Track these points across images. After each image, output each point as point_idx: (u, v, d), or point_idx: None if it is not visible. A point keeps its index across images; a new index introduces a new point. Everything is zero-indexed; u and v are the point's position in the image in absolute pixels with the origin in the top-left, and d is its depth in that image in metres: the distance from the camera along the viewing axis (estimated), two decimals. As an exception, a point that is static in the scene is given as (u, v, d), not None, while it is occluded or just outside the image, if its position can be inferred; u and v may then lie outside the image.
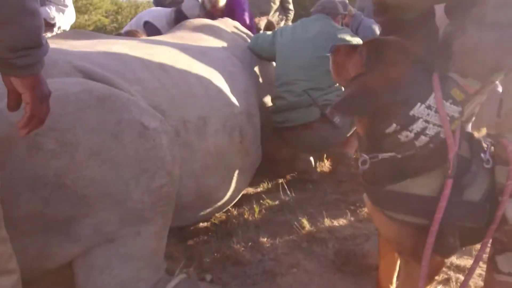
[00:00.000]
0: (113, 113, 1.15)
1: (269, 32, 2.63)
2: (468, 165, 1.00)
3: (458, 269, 1.61)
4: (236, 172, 1.89)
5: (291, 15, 4.72)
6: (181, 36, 2.33)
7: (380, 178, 1.03)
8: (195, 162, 1.61)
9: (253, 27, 3.53)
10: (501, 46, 0.93)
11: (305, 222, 1.94)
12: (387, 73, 0.97)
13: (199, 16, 3.49)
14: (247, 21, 3.62)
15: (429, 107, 0.97)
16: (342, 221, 1.99)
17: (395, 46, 1.03)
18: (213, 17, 3.70)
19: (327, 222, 1.97)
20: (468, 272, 1.09)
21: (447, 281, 1.55)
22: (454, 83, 0.99)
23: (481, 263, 1.67)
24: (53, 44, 1.58)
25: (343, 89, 2.33)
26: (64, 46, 1.53)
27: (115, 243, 1.15)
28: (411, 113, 0.97)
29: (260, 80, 2.48)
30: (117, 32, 3.43)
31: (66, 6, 2.64)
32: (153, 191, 1.17)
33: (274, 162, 2.55)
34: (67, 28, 2.75)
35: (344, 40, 2.29)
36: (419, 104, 0.96)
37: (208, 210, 1.83)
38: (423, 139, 0.98)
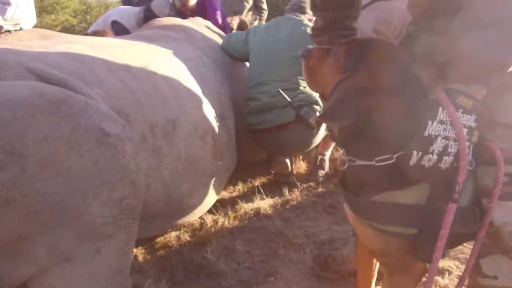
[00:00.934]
0: (68, 119, 1.04)
1: (241, 32, 2.56)
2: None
3: (438, 271, 1.58)
4: (210, 177, 1.80)
5: (265, 14, 4.67)
6: (149, 35, 2.22)
7: (364, 189, 0.96)
8: (164, 168, 1.52)
9: (226, 27, 3.45)
10: (500, 45, 0.88)
11: (281, 227, 1.88)
12: (377, 73, 0.88)
13: (169, 15, 3.38)
14: (219, 21, 3.53)
15: (442, 122, 0.89)
16: (319, 225, 1.94)
17: (379, 47, 0.97)
18: (184, 16, 3.59)
19: (304, 226, 1.91)
20: (459, 282, 1.05)
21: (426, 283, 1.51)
22: (458, 92, 0.91)
23: (458, 264, 1.66)
24: (5, 45, 1.46)
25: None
26: (17, 46, 1.41)
27: (74, 262, 1.05)
28: (426, 133, 0.88)
29: (233, 80, 2.40)
30: (86, 32, 3.26)
31: (8, 3, 2.34)
32: (115, 203, 1.08)
33: (249, 165, 2.48)
34: (28, 28, 2.58)
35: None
36: (430, 122, 0.89)
37: (180, 218, 1.74)
38: (447, 159, 0.90)
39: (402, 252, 0.97)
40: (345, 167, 1.00)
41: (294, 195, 2.25)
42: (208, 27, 2.81)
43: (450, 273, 1.58)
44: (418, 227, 0.92)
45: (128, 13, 3.41)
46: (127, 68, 1.57)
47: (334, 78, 0.97)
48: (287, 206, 2.14)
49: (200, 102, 1.79)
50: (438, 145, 0.88)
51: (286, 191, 2.27)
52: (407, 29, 1.15)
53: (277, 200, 2.21)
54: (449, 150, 0.89)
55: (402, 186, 0.92)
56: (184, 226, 1.90)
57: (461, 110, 0.90)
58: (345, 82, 0.90)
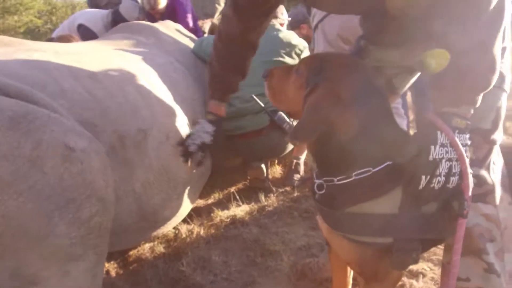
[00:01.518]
0: (29, 135, 0.98)
1: (214, 36, 2.51)
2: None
3: (412, 274, 1.61)
4: (184, 186, 1.75)
5: None
6: (117, 40, 2.15)
7: (339, 202, 0.96)
8: (136, 180, 1.46)
9: (198, 30, 3.40)
10: (484, 66, 0.91)
11: (258, 234, 1.86)
12: (335, 88, 0.90)
13: (138, 19, 3.30)
14: (190, 24, 3.48)
15: (443, 145, 0.91)
16: (295, 230, 1.93)
17: (340, 60, 0.98)
18: (153, 19, 3.51)
19: (281, 232, 1.89)
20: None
21: (401, 287, 1.53)
22: (452, 115, 0.93)
23: (431, 266, 1.69)
24: (-42, 53, 1.37)
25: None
26: (-28, 55, 1.32)
27: (40, 286, 0.99)
28: (431, 157, 0.91)
29: (206, 85, 2.36)
30: (50, 37, 3.11)
31: None
32: (82, 223, 1.02)
33: (224, 171, 2.44)
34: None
35: (290, 42, 2.23)
36: (432, 146, 0.91)
37: (154, 230, 1.68)
38: (453, 180, 0.92)
39: (377, 262, 0.97)
40: (323, 191, 0.99)
41: (270, 201, 2.23)
42: (178, 31, 2.75)
43: (424, 275, 1.60)
44: (393, 235, 0.93)
45: (95, 16, 3.30)
46: (94, 76, 1.50)
47: (298, 95, 0.97)
48: (264, 213, 2.12)
49: (171, 109, 1.74)
50: (443, 167, 0.91)
51: (262, 197, 2.25)
52: (357, 43, 1.21)
53: (253, 206, 2.18)
54: (453, 170, 0.92)
55: (377, 197, 0.92)
56: (158, 238, 1.84)
57: (457, 131, 0.92)
58: (307, 99, 0.91)
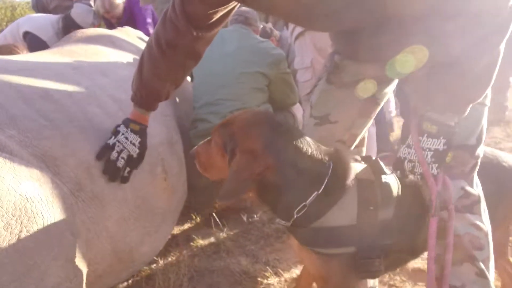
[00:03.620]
0: (-32, 184, 0.73)
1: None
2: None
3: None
4: (162, 216, 1.53)
5: None
6: (72, 50, 1.88)
7: (303, 221, 1.01)
8: (108, 217, 1.23)
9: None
10: (471, 80, 0.91)
11: (247, 265, 1.66)
12: (247, 147, 0.97)
13: (93, 24, 3.00)
14: (151, 30, 3.22)
15: (408, 146, 1.00)
16: (287, 258, 1.75)
17: (242, 120, 1.04)
18: (110, 25, 3.23)
19: (271, 261, 1.71)
20: None
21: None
22: (424, 118, 0.96)
23: (405, 278, 1.58)
24: None
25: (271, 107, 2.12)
26: None
27: None
28: (398, 155, 1.03)
29: (177, 99, 2.14)
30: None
31: None
32: (48, 295, 0.78)
33: (199, 191, 2.23)
34: None
35: (268, 52, 2.07)
36: (402, 146, 1.02)
37: (129, 270, 1.45)
38: (413, 177, 1.01)
39: (343, 275, 1.03)
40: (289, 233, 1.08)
41: (255, 223, 2.04)
42: (140, 38, 2.50)
43: None
44: (354, 244, 0.99)
45: (44, 23, 2.94)
46: (48, 96, 1.25)
47: (224, 163, 1.04)
48: (249, 237, 1.93)
49: (143, 130, 1.51)
50: (407, 166, 1.00)
51: (244, 218, 2.06)
52: (331, 59, 1.25)
53: (237, 230, 1.99)
54: (415, 170, 0.99)
55: (330, 207, 0.99)
56: (134, 275, 1.60)
57: (426, 134, 0.96)
58: (231, 164, 0.99)
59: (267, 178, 0.97)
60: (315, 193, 0.98)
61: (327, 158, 1.02)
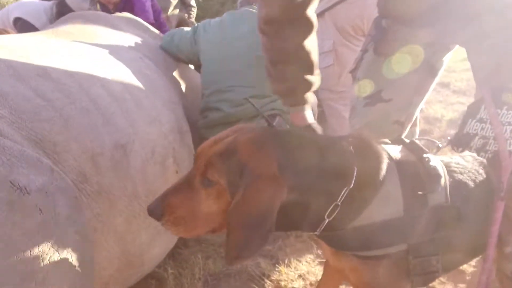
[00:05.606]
0: None
1: (187, 28, 2.12)
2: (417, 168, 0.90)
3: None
4: (172, 214, 1.36)
5: (194, 12, 4.19)
6: (68, 31, 1.69)
7: (339, 222, 0.85)
8: (116, 215, 1.06)
9: (162, 25, 2.97)
10: None
11: (267, 267, 1.50)
12: (267, 174, 0.74)
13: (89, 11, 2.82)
14: (151, 17, 3.04)
15: (481, 121, 0.88)
16: (309, 258, 1.59)
17: (248, 143, 0.79)
18: (107, 11, 3.05)
19: (293, 263, 1.55)
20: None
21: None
22: (505, 89, 0.87)
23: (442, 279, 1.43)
24: None
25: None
26: None
27: None
28: (465, 131, 0.90)
29: (183, 87, 1.96)
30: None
31: None
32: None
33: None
34: None
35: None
36: (470, 120, 0.90)
37: (138, 275, 1.28)
38: (483, 155, 0.90)
39: (393, 280, 0.89)
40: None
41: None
42: (141, 23, 2.33)
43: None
44: (405, 241, 0.86)
45: (36, 9, 2.74)
46: (46, 74, 1.07)
47: (218, 208, 0.78)
48: (265, 237, 1.76)
49: (153, 114, 1.34)
50: (475, 143, 0.90)
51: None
52: (377, 26, 1.10)
53: (251, 229, 1.82)
54: (487, 148, 0.89)
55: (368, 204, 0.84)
56: (140, 282, 1.42)
57: (506, 107, 0.86)
58: (242, 205, 0.72)
59: (288, 200, 0.76)
60: (346, 188, 0.82)
61: (348, 147, 0.86)
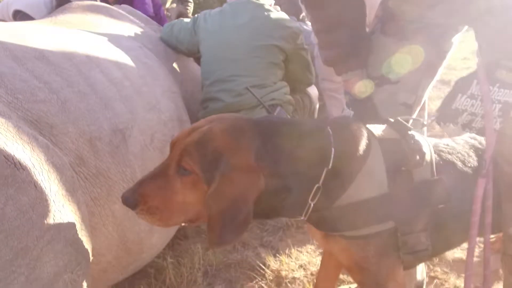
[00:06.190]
0: None
1: (187, 19, 2.10)
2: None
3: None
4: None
5: (191, 7, 4.17)
6: (67, 20, 1.68)
7: (324, 202, 0.84)
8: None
9: (162, 19, 2.95)
10: None
11: (267, 257, 1.48)
12: (244, 163, 0.75)
13: (89, 3, 2.80)
14: (150, 10, 3.02)
15: (472, 97, 0.87)
16: (310, 249, 1.57)
17: (223, 131, 0.79)
18: (107, 4, 3.04)
19: (294, 253, 1.53)
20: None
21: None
22: (500, 65, 0.84)
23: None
24: None
25: (287, 85, 1.93)
26: None
27: None
28: (454, 106, 0.89)
29: (183, 78, 1.94)
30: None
31: None
32: (44, 285, 0.59)
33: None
34: None
35: (285, 25, 1.88)
36: (460, 95, 0.88)
37: (137, 264, 1.26)
38: (468, 131, 0.91)
39: (382, 259, 0.87)
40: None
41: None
42: (140, 16, 2.31)
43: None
44: (392, 217, 0.85)
45: (36, 2, 2.70)
46: (44, 57, 1.05)
47: (195, 197, 0.77)
48: (266, 228, 1.74)
49: (152, 102, 1.32)
50: (463, 119, 0.89)
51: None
52: (384, 7, 1.07)
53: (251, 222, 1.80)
54: (473, 125, 0.89)
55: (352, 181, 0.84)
56: (139, 272, 1.41)
57: (498, 84, 0.85)
58: (219, 194, 0.73)
59: (269, 187, 0.76)
60: (325, 169, 0.82)
61: (326, 128, 0.86)
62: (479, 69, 0.86)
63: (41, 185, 0.63)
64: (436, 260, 1.47)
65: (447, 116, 0.90)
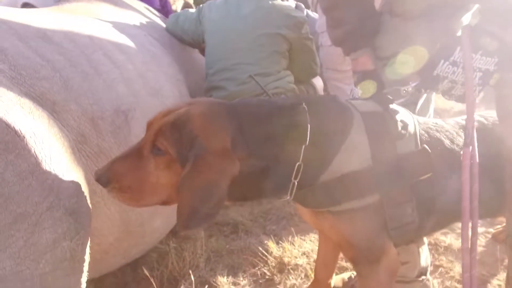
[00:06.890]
0: None
1: (192, 10, 2.10)
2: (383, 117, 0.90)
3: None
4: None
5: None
6: (72, 9, 1.68)
7: (308, 179, 0.84)
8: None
9: (169, 11, 2.94)
10: None
11: (270, 244, 1.48)
12: (215, 151, 0.73)
13: (95, -4, 2.81)
14: (156, 2, 3.02)
15: (454, 64, 0.87)
16: (313, 238, 1.57)
17: (201, 115, 0.78)
18: (113, -3, 3.04)
19: (297, 241, 1.52)
20: None
21: None
22: (484, 32, 0.84)
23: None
24: None
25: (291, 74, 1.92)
26: None
27: None
28: (435, 73, 0.89)
29: (187, 67, 1.94)
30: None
31: None
32: (43, 252, 0.60)
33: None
34: None
35: (290, 14, 1.87)
36: (442, 61, 0.88)
37: (139, 248, 1.26)
38: (447, 97, 0.93)
39: (373, 233, 0.87)
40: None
41: (274, 201, 1.85)
42: (146, 8, 2.32)
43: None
44: (377, 190, 0.85)
45: (43, -6, 2.74)
46: (47, 37, 1.06)
47: (175, 180, 0.75)
48: (269, 217, 1.74)
49: (156, 87, 1.32)
50: (443, 86, 0.90)
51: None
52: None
53: (255, 209, 1.80)
54: (452, 92, 0.90)
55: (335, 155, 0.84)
56: (142, 258, 1.41)
57: (480, 52, 0.85)
58: (193, 176, 0.72)
59: (244, 171, 0.75)
60: (303, 146, 0.81)
61: (301, 106, 0.84)
62: (463, 35, 0.85)
63: (41, 153, 0.63)
64: (441, 249, 1.46)
65: (428, 82, 0.90)
